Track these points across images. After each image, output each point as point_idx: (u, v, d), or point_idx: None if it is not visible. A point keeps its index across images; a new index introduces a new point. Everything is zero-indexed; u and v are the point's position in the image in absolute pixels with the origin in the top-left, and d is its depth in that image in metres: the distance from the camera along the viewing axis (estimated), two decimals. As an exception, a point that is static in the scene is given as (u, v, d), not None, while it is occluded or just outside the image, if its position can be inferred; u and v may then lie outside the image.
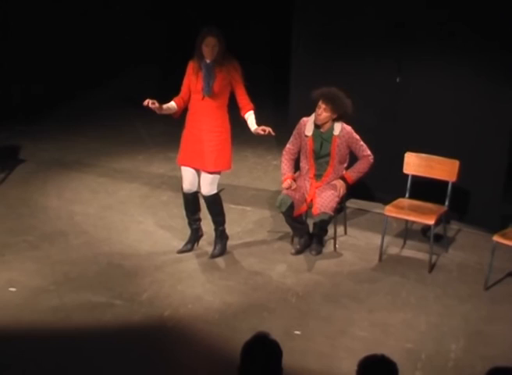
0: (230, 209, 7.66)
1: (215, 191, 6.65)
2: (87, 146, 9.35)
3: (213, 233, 6.89)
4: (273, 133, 6.44)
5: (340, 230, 7.25)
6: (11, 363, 5.34)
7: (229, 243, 6.96)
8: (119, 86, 11.01)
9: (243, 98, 6.52)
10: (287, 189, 6.76)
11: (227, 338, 5.68)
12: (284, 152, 7.00)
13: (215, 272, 6.65)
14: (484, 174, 7.26)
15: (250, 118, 6.52)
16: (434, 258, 6.88)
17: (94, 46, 10.77)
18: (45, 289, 6.29)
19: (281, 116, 8.93)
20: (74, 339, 5.68)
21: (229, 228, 6.97)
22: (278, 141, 9.17)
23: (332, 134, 6.79)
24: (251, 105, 6.54)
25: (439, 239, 7.12)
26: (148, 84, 10.03)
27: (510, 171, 7.20)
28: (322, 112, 6.74)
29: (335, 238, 7.09)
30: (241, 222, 7.55)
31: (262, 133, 6.42)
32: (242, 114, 6.56)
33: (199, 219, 6.88)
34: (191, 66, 6.53)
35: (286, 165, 6.94)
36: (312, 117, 6.86)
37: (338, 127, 6.80)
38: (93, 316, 5.96)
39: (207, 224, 6.92)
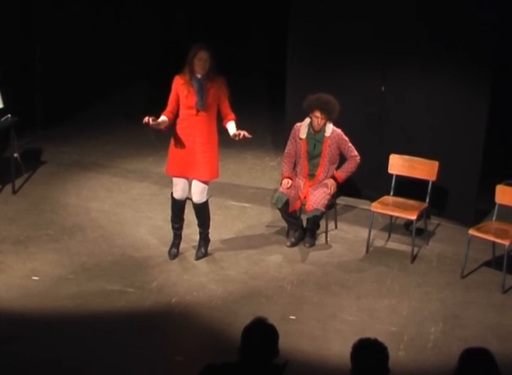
0: (231, 206, 7.69)
1: (204, 199, 6.49)
2: (103, 149, 9.33)
3: (216, 228, 6.87)
4: (249, 136, 6.26)
5: (331, 224, 7.24)
6: (34, 345, 5.37)
7: (231, 236, 6.97)
8: (132, 95, 10.99)
9: (227, 110, 6.37)
10: (286, 188, 6.77)
11: (229, 322, 5.70)
12: (284, 156, 7.02)
13: (218, 262, 6.65)
14: (461, 174, 7.26)
15: (230, 126, 6.37)
16: (416, 249, 6.88)
17: (110, 59, 10.73)
18: (65, 278, 6.30)
19: (278, 122, 8.92)
20: (91, 323, 5.71)
21: (231, 223, 6.97)
22: (275, 144, 9.19)
23: (323, 136, 6.80)
24: (233, 116, 6.39)
25: (420, 232, 7.12)
26: (156, 95, 10.01)
27: (484, 171, 7.20)
28: (321, 121, 6.74)
29: (326, 232, 7.09)
30: (241, 217, 7.54)
31: (238, 138, 6.24)
32: (224, 123, 6.40)
33: (182, 226, 6.67)
34: (179, 82, 6.26)
35: (284, 166, 6.95)
36: (305, 121, 6.86)
37: (329, 129, 6.80)
38: (107, 302, 5.98)
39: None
